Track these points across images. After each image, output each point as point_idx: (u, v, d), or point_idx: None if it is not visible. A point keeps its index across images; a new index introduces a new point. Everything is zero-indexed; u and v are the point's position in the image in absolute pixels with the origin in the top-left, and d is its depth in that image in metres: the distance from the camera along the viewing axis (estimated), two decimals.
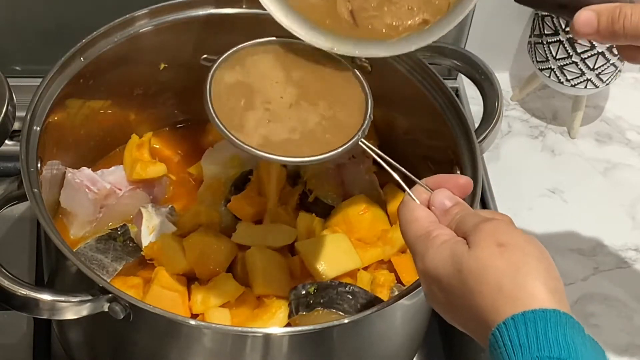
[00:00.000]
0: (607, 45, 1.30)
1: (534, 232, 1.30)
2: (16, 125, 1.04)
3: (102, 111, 1.17)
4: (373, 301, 1.04)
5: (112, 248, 1.10)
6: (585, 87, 1.37)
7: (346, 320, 0.93)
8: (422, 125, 1.17)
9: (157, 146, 1.24)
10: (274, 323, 1.04)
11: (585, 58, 1.33)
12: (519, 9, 1.06)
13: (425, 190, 0.85)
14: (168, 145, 1.25)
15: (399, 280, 1.12)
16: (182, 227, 1.13)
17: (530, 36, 1.38)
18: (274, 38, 0.95)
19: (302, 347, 0.97)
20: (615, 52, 1.31)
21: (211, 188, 1.18)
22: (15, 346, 1.12)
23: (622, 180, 1.39)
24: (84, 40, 1.08)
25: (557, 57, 1.35)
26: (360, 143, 0.91)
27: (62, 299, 0.91)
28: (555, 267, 0.76)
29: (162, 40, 1.14)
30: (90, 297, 0.91)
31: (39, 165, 1.02)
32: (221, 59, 0.94)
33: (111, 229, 1.13)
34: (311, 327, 0.94)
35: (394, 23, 0.95)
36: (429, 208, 0.84)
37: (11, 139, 1.05)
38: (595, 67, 1.34)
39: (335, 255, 1.09)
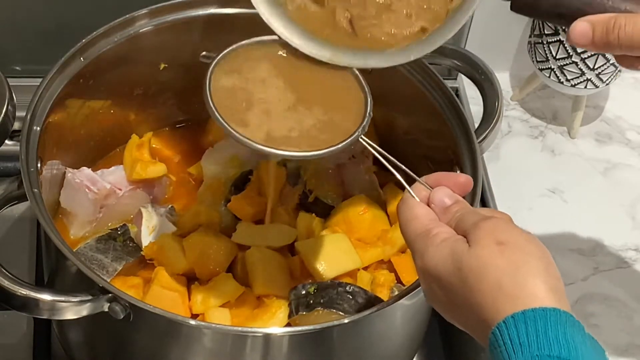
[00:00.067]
0: None
1: (534, 232, 1.28)
2: (16, 125, 1.04)
3: (102, 111, 1.17)
4: (373, 301, 1.04)
5: (112, 248, 1.11)
6: (585, 87, 1.37)
7: (346, 320, 0.93)
8: (422, 125, 1.17)
9: (157, 146, 1.24)
10: (274, 323, 1.04)
11: (585, 58, 1.33)
12: None
13: (425, 188, 0.85)
14: (168, 145, 1.25)
15: (399, 280, 1.12)
16: (182, 227, 1.13)
17: (530, 36, 1.38)
18: (273, 37, 0.95)
19: (302, 347, 0.97)
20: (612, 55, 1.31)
21: (211, 188, 1.18)
22: (15, 346, 1.12)
23: (622, 180, 1.39)
24: (84, 40, 1.08)
25: (557, 57, 1.35)
26: (360, 140, 0.91)
27: (62, 299, 0.91)
28: (555, 266, 0.76)
29: (162, 40, 1.14)
30: (90, 297, 0.91)
31: (39, 165, 1.02)
32: (220, 55, 0.94)
33: (111, 229, 1.13)
34: (311, 327, 0.94)
35: (392, 31, 0.95)
36: (428, 206, 0.84)
37: (11, 139, 1.05)
38: (595, 67, 1.34)
39: (335, 255, 1.09)
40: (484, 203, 1.31)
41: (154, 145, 1.22)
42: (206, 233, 1.11)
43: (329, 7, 0.96)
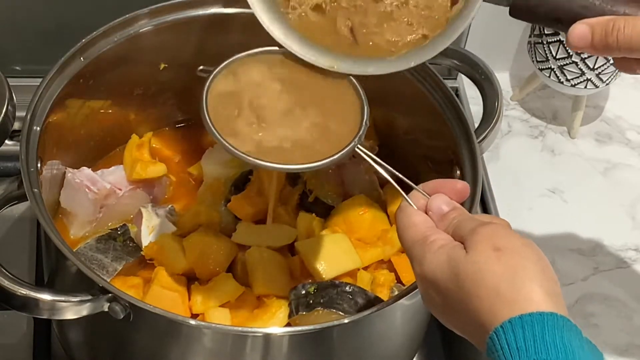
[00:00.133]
0: None
1: (534, 232, 1.30)
2: (16, 125, 1.04)
3: (102, 111, 1.17)
4: (373, 301, 1.04)
5: (112, 248, 1.11)
6: (585, 87, 1.37)
7: (346, 320, 0.93)
8: (422, 125, 1.17)
9: (157, 146, 1.24)
10: (274, 323, 1.04)
11: (585, 58, 1.33)
12: None
13: (422, 195, 0.85)
14: (168, 145, 1.25)
15: (399, 280, 1.12)
16: (182, 227, 1.13)
17: (530, 36, 1.38)
18: (270, 48, 0.96)
19: (302, 347, 0.97)
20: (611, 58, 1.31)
21: (211, 188, 1.18)
22: (15, 346, 1.12)
23: (622, 180, 1.39)
24: (84, 40, 1.08)
25: (557, 57, 1.35)
26: (356, 149, 0.91)
27: (62, 299, 0.91)
28: (553, 270, 0.76)
29: (162, 40, 1.14)
30: (90, 297, 0.91)
31: (39, 165, 1.02)
32: (217, 69, 0.94)
33: (111, 229, 1.13)
34: (311, 327, 0.94)
35: (394, 39, 0.95)
36: (426, 213, 0.84)
37: (11, 139, 1.05)
38: (595, 67, 1.34)
39: (335, 255, 1.09)
40: (484, 203, 1.31)
41: (154, 145, 1.22)
42: (206, 233, 1.11)
43: (330, 16, 0.96)
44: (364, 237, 1.14)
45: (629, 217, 1.34)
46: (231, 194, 1.16)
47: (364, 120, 0.92)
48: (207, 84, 0.93)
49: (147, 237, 1.11)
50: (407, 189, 0.87)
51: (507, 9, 0.96)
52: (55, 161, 1.12)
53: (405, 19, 0.95)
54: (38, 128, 1.03)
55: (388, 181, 1.09)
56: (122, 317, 0.91)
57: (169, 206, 1.16)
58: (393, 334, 1.05)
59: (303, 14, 0.96)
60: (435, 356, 1.19)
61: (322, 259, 1.08)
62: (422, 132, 1.18)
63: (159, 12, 1.12)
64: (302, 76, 0.95)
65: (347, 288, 1.04)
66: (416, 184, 0.87)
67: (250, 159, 0.89)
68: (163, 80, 1.19)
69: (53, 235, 0.94)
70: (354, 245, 1.11)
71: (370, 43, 0.95)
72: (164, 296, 1.05)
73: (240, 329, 0.97)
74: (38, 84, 1.05)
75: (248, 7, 1.13)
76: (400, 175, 0.89)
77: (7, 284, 0.91)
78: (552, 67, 1.36)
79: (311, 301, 1.03)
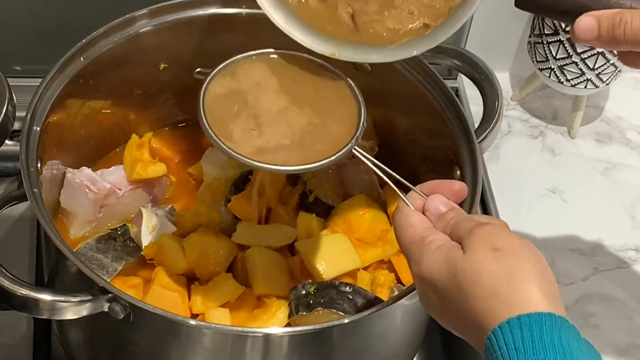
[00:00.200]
0: None
1: (534, 232, 1.30)
2: (16, 125, 1.04)
3: (102, 111, 1.17)
4: (373, 301, 1.04)
5: (112, 248, 1.11)
6: (585, 87, 1.37)
7: (346, 320, 0.93)
8: (422, 125, 1.17)
9: (157, 146, 1.24)
10: (274, 323, 1.04)
11: (585, 58, 1.33)
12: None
13: (420, 196, 0.85)
14: (168, 145, 1.25)
15: (399, 280, 1.12)
16: (182, 227, 1.13)
17: (530, 36, 1.38)
18: (268, 50, 0.96)
19: (302, 347, 0.97)
20: (616, 52, 1.31)
21: (211, 188, 1.18)
22: (15, 346, 1.12)
23: (622, 180, 1.39)
24: (84, 40, 1.08)
25: (557, 57, 1.35)
26: (354, 151, 0.91)
27: (62, 299, 0.91)
28: (551, 271, 0.76)
29: (162, 40, 1.14)
30: (90, 297, 0.91)
31: (39, 165, 1.02)
32: (214, 72, 0.94)
33: (111, 229, 1.13)
34: (311, 327, 0.94)
35: (394, 27, 0.95)
36: (424, 214, 0.84)
37: (11, 139, 1.05)
38: (595, 67, 1.34)
39: (335, 255, 1.09)
40: (484, 203, 1.31)
41: (154, 145, 1.22)
42: (206, 233, 1.11)
43: (331, 2, 0.96)
44: (364, 237, 1.14)
45: (629, 217, 1.34)
46: (231, 194, 1.16)
47: (361, 122, 0.92)
48: (204, 86, 0.93)
49: (147, 237, 1.11)
50: (406, 190, 0.87)
51: (509, 4, 0.96)
52: (55, 161, 1.12)
53: (407, 7, 0.94)
54: (38, 128, 1.03)
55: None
56: (122, 317, 0.91)
57: (169, 206, 1.16)
58: (393, 334, 1.05)
59: (304, 0, 0.96)
60: (435, 356, 1.19)
61: (322, 259, 1.08)
62: (422, 132, 1.18)
63: (159, 12, 1.12)
64: (300, 78, 0.95)
65: (347, 288, 1.04)
66: (416, 184, 0.87)
67: (248, 160, 0.89)
68: (163, 80, 1.19)
69: (53, 235, 0.94)
70: (354, 245, 1.11)
71: (371, 30, 0.95)
72: (164, 296, 1.05)
73: (240, 329, 0.97)
74: (38, 84, 1.05)
75: (248, 7, 1.14)
76: (398, 176, 0.89)
77: (7, 284, 0.91)
78: (552, 67, 1.36)
79: (311, 301, 1.03)
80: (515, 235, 0.78)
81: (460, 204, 0.86)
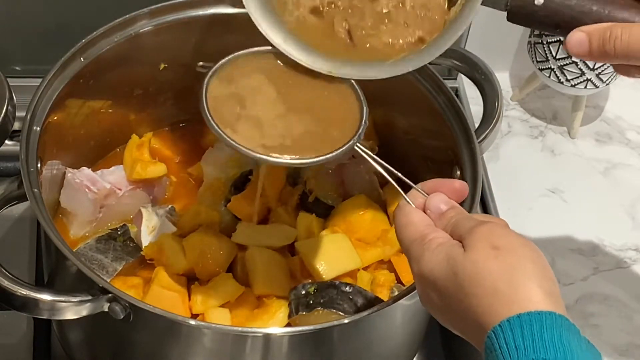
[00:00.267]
0: None
1: (534, 232, 1.30)
2: (16, 125, 1.04)
3: (102, 111, 1.17)
4: (373, 301, 1.04)
5: (112, 248, 1.11)
6: (585, 87, 1.37)
7: (346, 320, 0.93)
8: (422, 125, 1.17)
9: (157, 146, 1.24)
10: (274, 323, 1.04)
11: None
12: None
13: (421, 194, 0.85)
14: (168, 145, 1.25)
15: (399, 280, 1.12)
16: (182, 227, 1.13)
17: (530, 36, 1.38)
18: (270, 47, 0.96)
19: (302, 347, 0.97)
20: None
21: (211, 188, 1.18)
22: (15, 346, 1.12)
23: (622, 180, 1.39)
24: (84, 40, 1.08)
25: (557, 57, 1.35)
26: (356, 147, 0.91)
27: (62, 299, 0.91)
28: (551, 269, 0.76)
29: (162, 40, 1.14)
30: (90, 297, 0.91)
31: (39, 165, 1.02)
32: (217, 65, 0.94)
33: (111, 229, 1.13)
34: (311, 327, 0.94)
35: (390, 41, 0.95)
36: (424, 212, 0.84)
37: (11, 139, 1.05)
38: (595, 67, 1.34)
39: (335, 255, 1.09)
40: (484, 203, 1.31)
41: (154, 145, 1.22)
42: (206, 233, 1.11)
43: (327, 18, 0.96)
44: (364, 237, 1.14)
45: (629, 217, 1.34)
46: (231, 194, 1.16)
47: (363, 119, 0.93)
48: (207, 80, 0.93)
49: (147, 237, 1.11)
50: (406, 188, 0.87)
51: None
52: (55, 161, 1.12)
53: (402, 21, 0.95)
54: (38, 128, 1.03)
55: (388, 181, 1.09)
56: (122, 317, 0.91)
57: (169, 206, 1.16)
58: (393, 334, 1.05)
59: (301, 18, 0.96)
60: (435, 356, 1.19)
61: (322, 259, 1.08)
62: (422, 132, 1.18)
63: (159, 12, 1.12)
64: (302, 75, 0.95)
65: (347, 288, 1.04)
66: (416, 184, 0.87)
67: (252, 153, 0.89)
68: (163, 80, 1.19)
69: (53, 235, 0.94)
70: (354, 245, 1.11)
71: (368, 45, 0.95)
72: (164, 296, 1.05)
73: (240, 329, 0.97)
74: (38, 84, 1.05)
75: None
76: (399, 174, 0.89)
77: (7, 284, 0.91)
78: (552, 67, 1.36)
79: (311, 301, 1.03)
80: (515, 234, 0.78)
81: (461, 204, 0.86)
